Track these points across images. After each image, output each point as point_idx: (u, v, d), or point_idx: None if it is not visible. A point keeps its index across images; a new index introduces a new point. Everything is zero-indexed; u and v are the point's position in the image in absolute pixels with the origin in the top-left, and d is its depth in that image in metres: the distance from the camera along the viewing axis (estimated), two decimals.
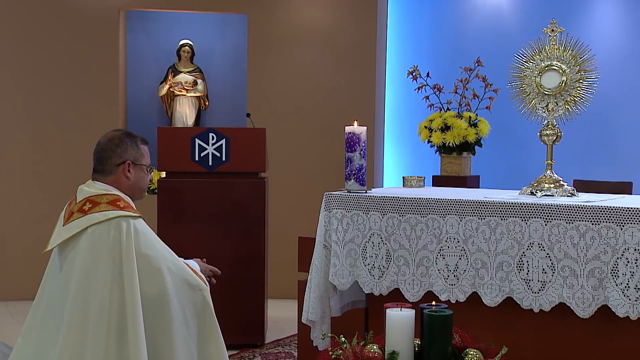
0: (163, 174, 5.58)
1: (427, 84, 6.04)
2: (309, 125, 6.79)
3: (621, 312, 2.89)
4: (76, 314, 2.82)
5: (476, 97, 5.99)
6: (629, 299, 2.88)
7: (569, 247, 2.99)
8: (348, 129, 3.41)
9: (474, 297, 3.18)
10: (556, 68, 3.40)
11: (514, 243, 3.10)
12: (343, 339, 2.82)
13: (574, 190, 3.38)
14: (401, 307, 2.76)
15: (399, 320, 2.72)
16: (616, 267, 2.91)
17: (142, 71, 7.35)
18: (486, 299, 3.15)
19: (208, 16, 7.39)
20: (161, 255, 2.95)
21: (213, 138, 5.07)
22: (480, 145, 5.95)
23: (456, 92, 6.02)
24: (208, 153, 5.07)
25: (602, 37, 6.74)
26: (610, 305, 2.92)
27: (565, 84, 3.39)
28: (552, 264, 3.02)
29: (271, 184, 5.89)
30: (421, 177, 3.86)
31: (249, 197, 5.09)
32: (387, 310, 2.75)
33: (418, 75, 6.03)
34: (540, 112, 3.45)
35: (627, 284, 2.88)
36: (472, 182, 5.96)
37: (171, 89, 7.29)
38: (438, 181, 5.87)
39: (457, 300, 3.19)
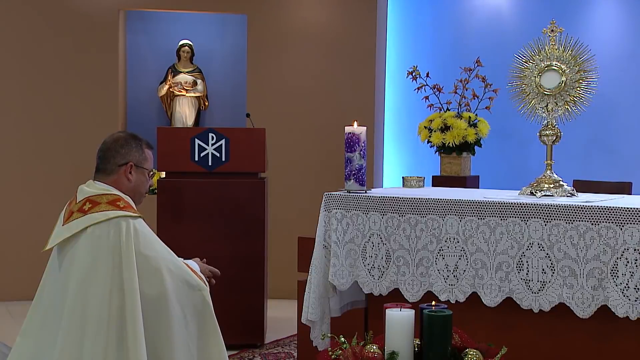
0: (163, 174, 5.58)
1: (427, 84, 6.04)
2: (309, 125, 6.79)
3: (621, 312, 2.90)
4: (75, 314, 2.82)
5: (476, 97, 5.98)
6: (629, 299, 2.88)
7: (569, 247, 2.99)
8: (348, 129, 3.41)
9: (474, 297, 3.18)
10: (556, 68, 3.40)
11: (514, 243, 3.10)
12: (343, 339, 2.81)
13: (573, 190, 3.38)
14: (401, 307, 2.76)
15: (399, 321, 2.72)
16: (616, 268, 2.91)
17: (141, 71, 7.34)
18: (486, 299, 3.15)
19: (208, 16, 7.39)
20: (161, 255, 2.95)
21: (213, 138, 5.07)
22: (480, 146, 5.95)
23: (456, 93, 6.02)
24: (208, 153, 5.07)
25: (602, 38, 6.74)
26: (609, 306, 2.92)
27: (564, 84, 3.39)
28: (551, 264, 3.02)
29: (271, 184, 5.89)
30: (421, 177, 3.86)
31: (248, 197, 5.09)
32: (387, 311, 2.75)
33: (418, 76, 6.03)
34: (540, 112, 3.45)
35: (627, 284, 2.88)
36: (471, 182, 5.96)
37: (171, 89, 7.29)
38: (438, 181, 5.86)
39: (456, 300, 3.19)
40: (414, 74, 6.03)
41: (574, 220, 2.99)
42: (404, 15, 7.34)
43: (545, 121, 3.45)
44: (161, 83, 7.33)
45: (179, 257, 3.06)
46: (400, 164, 7.30)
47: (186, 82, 7.28)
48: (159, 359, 2.88)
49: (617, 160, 6.82)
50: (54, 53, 6.61)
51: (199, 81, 7.33)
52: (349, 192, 3.44)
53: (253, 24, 6.81)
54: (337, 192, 3.48)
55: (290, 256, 4.99)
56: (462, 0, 7.25)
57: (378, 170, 7.06)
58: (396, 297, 3.25)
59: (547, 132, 3.44)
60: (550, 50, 3.42)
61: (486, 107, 5.98)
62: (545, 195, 3.31)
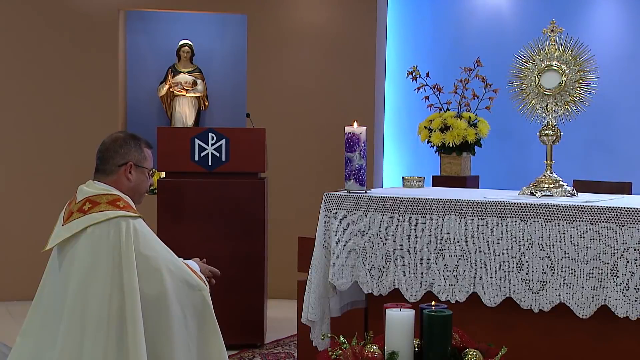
0: (163, 174, 5.58)
1: (427, 84, 6.04)
2: (309, 125, 6.79)
3: (621, 312, 2.90)
4: (75, 314, 2.82)
5: (476, 97, 5.98)
6: (629, 299, 2.88)
7: (569, 247, 2.99)
8: (348, 129, 3.41)
9: (474, 297, 3.18)
10: (556, 68, 3.40)
11: (514, 243, 3.10)
12: (343, 339, 2.81)
13: (573, 190, 3.38)
14: (401, 307, 2.76)
15: (399, 321, 2.72)
16: (616, 268, 2.91)
17: (141, 71, 7.34)
18: (486, 299, 3.15)
19: (208, 16, 7.39)
20: (161, 255, 2.95)
21: (213, 138, 5.07)
22: (480, 146, 5.95)
23: (456, 93, 6.02)
24: (208, 153, 5.07)
25: (602, 38, 6.74)
26: (609, 306, 2.92)
27: (564, 84, 3.39)
28: (551, 264, 3.02)
29: (271, 184, 5.89)
30: (421, 177, 3.86)
31: (248, 197, 5.09)
32: (387, 311, 2.75)
33: (418, 76, 6.03)
34: (540, 112, 3.45)
35: (627, 284, 2.88)
36: (471, 182, 5.96)
37: (171, 89, 7.29)
38: (438, 181, 5.86)
39: (456, 300, 3.19)
40: (414, 74, 6.03)
41: (574, 220, 2.99)
42: (403, 15, 7.34)
43: (545, 121, 3.45)
44: (161, 83, 7.33)
45: (179, 257, 3.06)
46: (400, 164, 7.30)
47: (186, 82, 7.28)
48: (159, 359, 2.88)
49: (617, 160, 6.82)
50: (54, 53, 6.61)
51: (199, 81, 7.33)
52: (349, 192, 3.44)
53: (253, 24, 6.81)
54: (337, 192, 3.48)
55: (290, 256, 4.99)
56: (462, 0, 7.25)
57: (378, 170, 7.06)
58: (396, 297, 3.25)
59: (547, 132, 3.44)
60: (550, 50, 3.42)
61: (486, 107, 5.98)
62: (545, 195, 3.31)
